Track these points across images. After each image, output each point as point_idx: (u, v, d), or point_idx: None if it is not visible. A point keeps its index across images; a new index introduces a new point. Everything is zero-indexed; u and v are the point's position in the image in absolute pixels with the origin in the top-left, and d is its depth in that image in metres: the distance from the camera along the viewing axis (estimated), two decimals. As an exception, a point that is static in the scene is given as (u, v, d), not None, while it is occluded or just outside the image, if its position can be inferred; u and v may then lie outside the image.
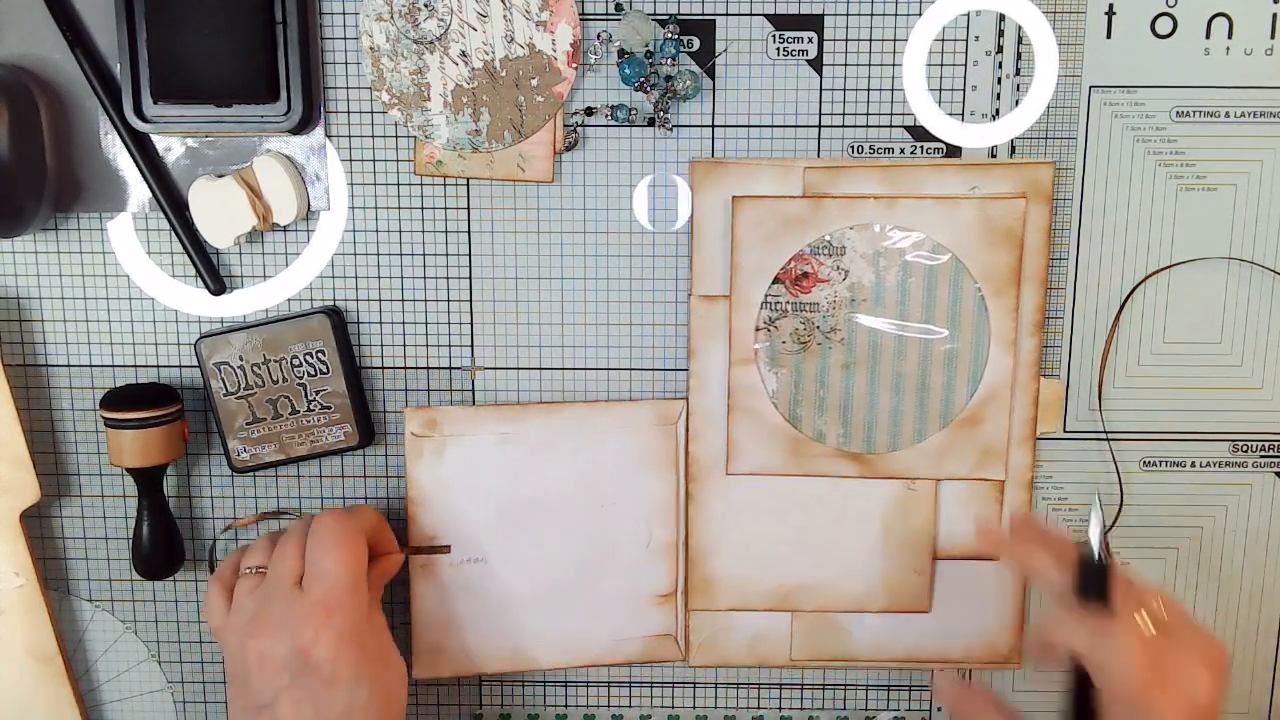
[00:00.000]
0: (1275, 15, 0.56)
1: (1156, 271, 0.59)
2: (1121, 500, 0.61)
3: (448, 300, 0.59)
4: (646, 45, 0.56)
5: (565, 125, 0.57)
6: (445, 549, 0.61)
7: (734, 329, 0.58)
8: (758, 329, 0.58)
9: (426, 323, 0.60)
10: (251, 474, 0.61)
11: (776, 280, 0.58)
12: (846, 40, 0.57)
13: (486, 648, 0.62)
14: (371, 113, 0.57)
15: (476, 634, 0.62)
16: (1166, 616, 0.50)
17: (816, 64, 0.57)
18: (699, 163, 0.57)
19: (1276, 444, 0.60)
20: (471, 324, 0.60)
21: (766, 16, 0.56)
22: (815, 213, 0.57)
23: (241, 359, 0.58)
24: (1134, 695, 0.49)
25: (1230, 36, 0.56)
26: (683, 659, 0.62)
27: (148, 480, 0.59)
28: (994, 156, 0.58)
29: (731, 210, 0.57)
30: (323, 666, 0.51)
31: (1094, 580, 0.51)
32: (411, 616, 0.61)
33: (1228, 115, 0.57)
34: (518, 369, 0.60)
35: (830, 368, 0.58)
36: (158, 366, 0.60)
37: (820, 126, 0.57)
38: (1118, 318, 0.59)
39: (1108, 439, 0.60)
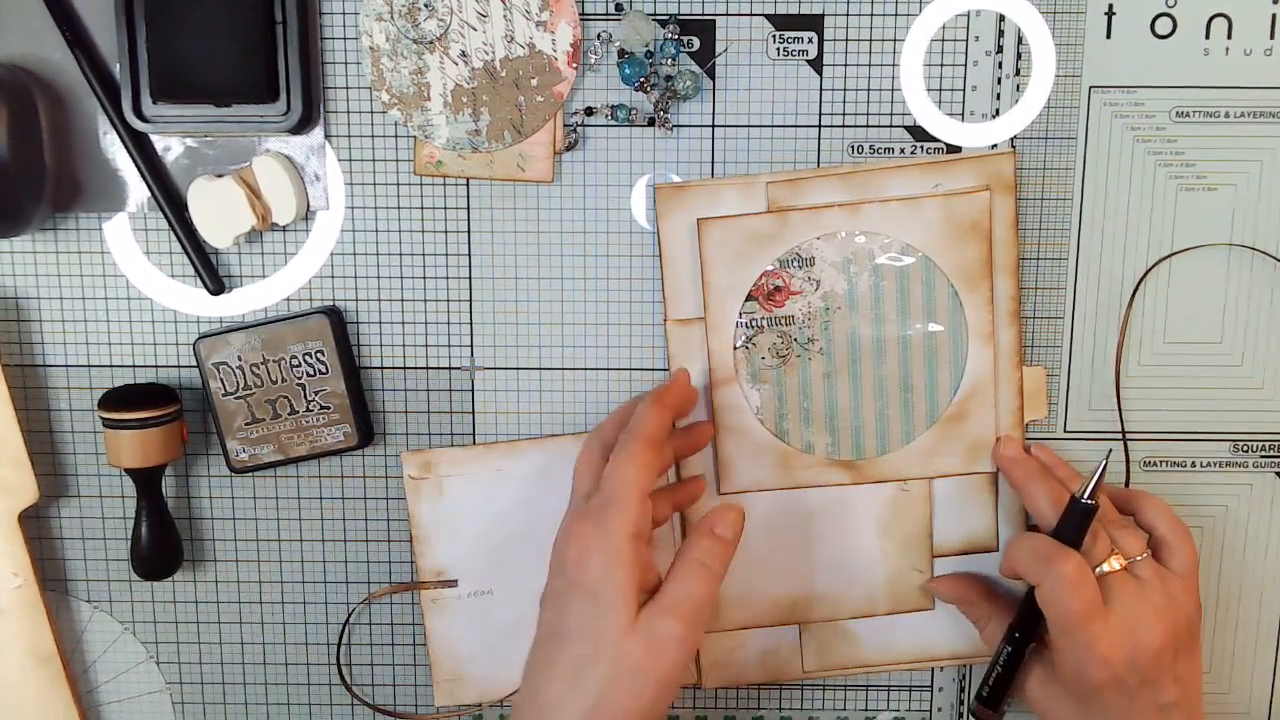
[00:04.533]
0: (1275, 15, 0.56)
1: (1157, 263, 0.59)
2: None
3: (448, 300, 0.59)
4: (646, 45, 0.56)
5: (565, 125, 0.57)
6: (453, 583, 0.61)
7: (712, 350, 0.58)
8: (735, 348, 0.58)
9: (426, 323, 0.60)
10: (250, 474, 0.61)
11: (750, 297, 0.57)
12: (846, 40, 0.57)
13: (502, 675, 0.62)
14: (371, 113, 0.57)
15: (491, 662, 0.62)
16: (1142, 571, 0.53)
17: (816, 64, 0.57)
18: (662, 187, 0.57)
19: (1276, 444, 0.60)
20: (471, 324, 0.60)
21: (766, 16, 0.56)
22: (781, 227, 0.57)
23: (240, 359, 0.58)
24: (1072, 624, 0.52)
25: (1230, 37, 0.56)
26: (696, 683, 0.62)
27: (146, 481, 0.58)
28: (957, 152, 0.57)
29: (698, 232, 0.57)
30: (563, 574, 0.51)
31: (1074, 518, 0.54)
32: (428, 648, 0.61)
33: (1227, 115, 0.57)
34: (518, 369, 0.60)
35: (812, 378, 0.58)
36: (156, 367, 0.60)
37: (820, 126, 0.57)
38: (1127, 317, 0.59)
39: (1124, 439, 0.60)
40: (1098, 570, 0.53)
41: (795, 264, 0.57)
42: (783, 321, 0.58)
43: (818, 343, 0.58)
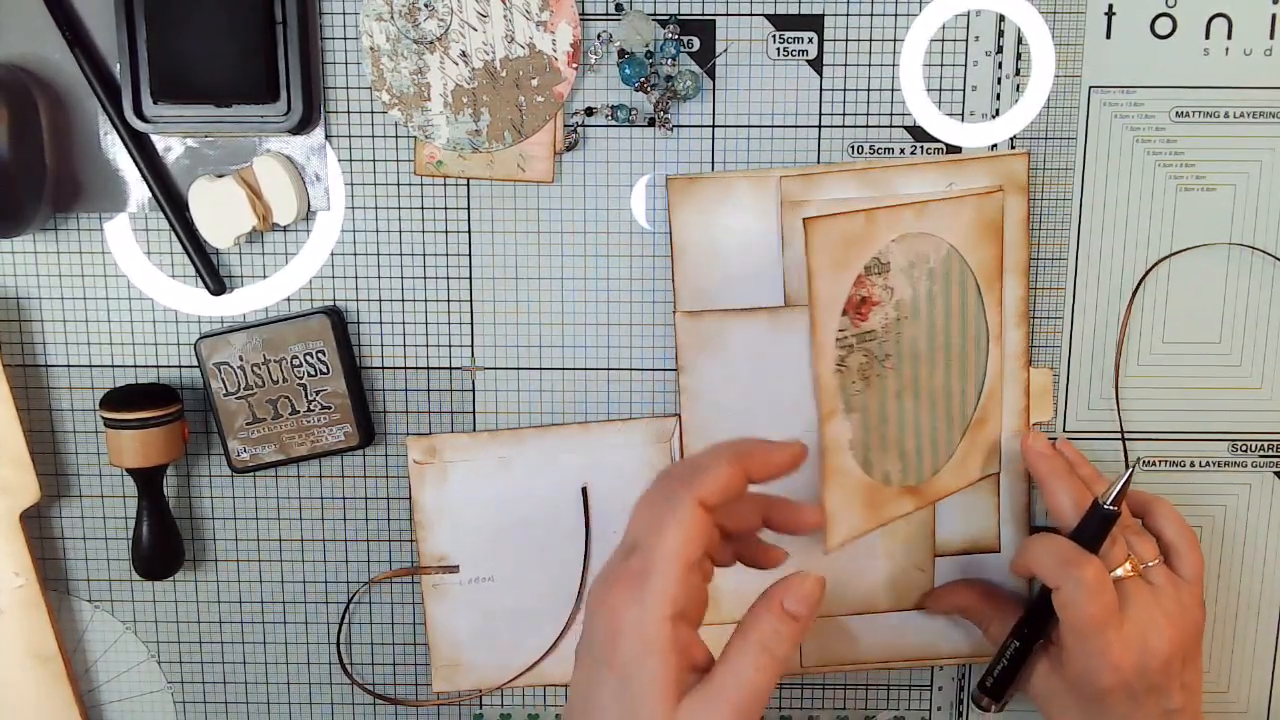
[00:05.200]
0: (1274, 16, 0.56)
1: (1157, 263, 0.59)
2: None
3: (448, 300, 0.59)
4: (646, 45, 0.56)
5: (565, 125, 0.57)
6: (454, 569, 0.61)
7: (819, 376, 0.51)
8: (834, 371, 0.52)
9: (426, 323, 0.60)
10: (251, 474, 0.61)
11: (843, 312, 0.51)
12: (846, 40, 0.57)
13: (500, 662, 0.62)
14: (371, 113, 0.57)
15: (490, 649, 0.62)
16: (1155, 577, 0.53)
17: (816, 64, 0.57)
18: (675, 179, 0.57)
19: (1276, 444, 0.60)
20: (471, 324, 0.60)
21: (766, 16, 0.56)
22: (869, 227, 0.51)
23: (241, 359, 0.58)
24: (1089, 629, 0.52)
25: (1229, 37, 0.56)
26: None
27: (147, 480, 0.59)
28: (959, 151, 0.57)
29: (804, 235, 0.50)
30: (593, 641, 0.44)
31: (1095, 523, 0.54)
32: (427, 633, 0.61)
33: (1227, 115, 0.57)
34: (518, 369, 0.60)
35: (888, 399, 0.54)
36: (157, 366, 0.60)
37: (820, 127, 0.57)
38: (1126, 317, 0.59)
39: (1123, 438, 0.60)
40: (1112, 574, 0.53)
41: (876, 270, 0.52)
42: (867, 337, 0.52)
43: (892, 359, 0.53)
